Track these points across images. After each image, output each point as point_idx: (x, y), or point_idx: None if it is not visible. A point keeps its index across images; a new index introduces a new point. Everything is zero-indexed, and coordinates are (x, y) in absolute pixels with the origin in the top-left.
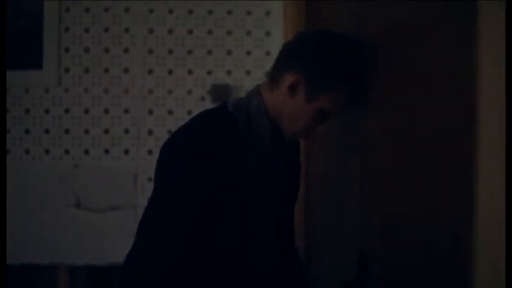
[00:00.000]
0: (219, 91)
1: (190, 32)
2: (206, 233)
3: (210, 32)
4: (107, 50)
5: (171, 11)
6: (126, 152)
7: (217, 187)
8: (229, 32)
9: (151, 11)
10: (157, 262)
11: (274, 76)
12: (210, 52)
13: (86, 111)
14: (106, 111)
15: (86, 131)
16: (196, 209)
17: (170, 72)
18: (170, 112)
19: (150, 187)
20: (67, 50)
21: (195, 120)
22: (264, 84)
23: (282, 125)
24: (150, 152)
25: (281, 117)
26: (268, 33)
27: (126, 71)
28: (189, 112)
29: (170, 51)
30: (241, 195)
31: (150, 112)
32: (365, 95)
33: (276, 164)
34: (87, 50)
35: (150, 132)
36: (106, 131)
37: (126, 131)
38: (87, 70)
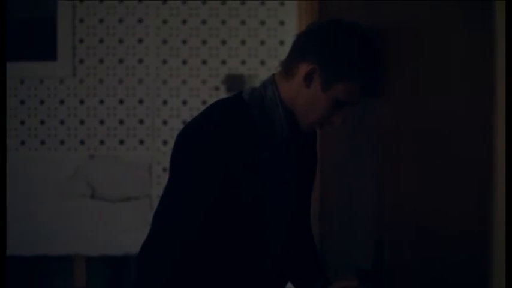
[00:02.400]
0: (233, 81)
1: (204, 22)
2: (221, 223)
3: (223, 22)
4: (121, 41)
5: (184, 2)
6: (141, 142)
7: (232, 177)
8: (243, 22)
9: (164, 1)
10: (174, 251)
11: (288, 67)
12: (224, 42)
13: (101, 102)
14: (121, 101)
15: (101, 122)
16: (212, 199)
17: (184, 62)
18: (184, 102)
19: (165, 177)
20: (81, 41)
21: (210, 109)
22: (278, 74)
23: (298, 115)
24: (164, 143)
25: (296, 107)
26: (282, 23)
27: (140, 61)
28: (204, 102)
29: (184, 42)
30: (255, 185)
31: (165, 102)
32: (380, 83)
33: (291, 153)
34: (101, 40)
35: (164, 123)
36: (121, 122)
37: (141, 122)
38: (101, 61)
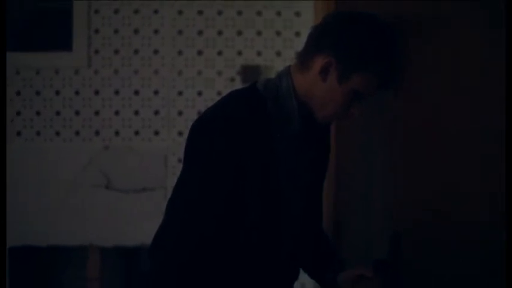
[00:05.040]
0: (249, 72)
1: (219, 13)
2: (235, 214)
3: (239, 12)
4: (136, 31)
5: None
6: (156, 133)
7: (245, 169)
8: (259, 13)
9: None
10: (188, 243)
11: (304, 59)
12: (239, 33)
13: (116, 92)
14: (136, 92)
15: (116, 113)
16: (225, 191)
17: (200, 53)
18: (200, 93)
19: (180, 168)
20: (97, 31)
21: (224, 100)
22: (294, 66)
23: (314, 108)
24: (180, 133)
25: (312, 100)
26: (298, 14)
27: (156, 52)
28: (219, 93)
29: (200, 32)
30: (269, 177)
31: (180, 93)
32: (397, 76)
33: (305, 146)
34: (116, 31)
35: (180, 113)
36: (136, 113)
37: (156, 113)
38: (117, 51)
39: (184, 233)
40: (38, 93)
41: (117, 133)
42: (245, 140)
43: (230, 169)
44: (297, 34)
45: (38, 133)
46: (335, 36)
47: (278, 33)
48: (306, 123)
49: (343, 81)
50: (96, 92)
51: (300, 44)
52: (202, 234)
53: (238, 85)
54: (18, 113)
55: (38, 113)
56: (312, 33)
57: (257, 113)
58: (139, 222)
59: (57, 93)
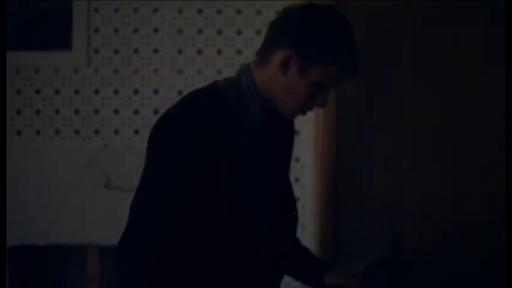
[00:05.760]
0: None
1: (219, 12)
2: (203, 212)
3: (239, 11)
4: (136, 31)
5: None
6: None
7: (214, 164)
8: (258, 12)
9: None
10: (157, 243)
11: (263, 55)
12: (239, 32)
13: (116, 91)
14: (136, 91)
15: (116, 112)
16: (194, 187)
17: (199, 52)
18: None
19: None
20: (96, 30)
21: (187, 98)
22: (254, 63)
23: (277, 103)
24: None
25: (273, 94)
26: None
27: (155, 51)
28: None
29: (199, 31)
30: (237, 173)
31: (180, 92)
32: (357, 64)
33: (268, 141)
34: (116, 30)
35: None
36: (136, 112)
37: (156, 112)
38: (116, 51)
39: (153, 232)
40: (37, 92)
41: (116, 132)
42: (213, 135)
43: (198, 164)
44: None
45: (38, 132)
46: (293, 30)
47: None
48: (269, 118)
49: (304, 73)
50: (96, 91)
51: None
52: (171, 232)
53: None
54: (18, 112)
55: (37, 112)
56: (270, 28)
57: (219, 109)
58: None
59: (57, 92)
